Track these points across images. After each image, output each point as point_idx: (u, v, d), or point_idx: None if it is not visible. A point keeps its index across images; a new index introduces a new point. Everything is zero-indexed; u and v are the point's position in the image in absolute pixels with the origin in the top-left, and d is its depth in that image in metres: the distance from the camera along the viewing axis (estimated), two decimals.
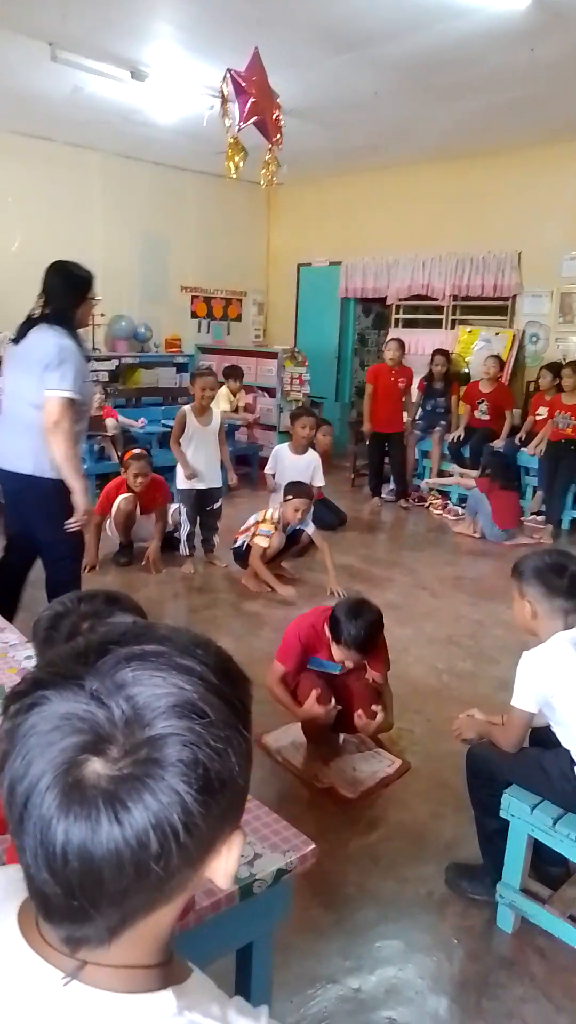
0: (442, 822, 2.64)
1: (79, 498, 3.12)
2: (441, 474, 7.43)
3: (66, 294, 3.11)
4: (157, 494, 5.29)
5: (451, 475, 7.27)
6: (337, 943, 2.10)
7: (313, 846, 1.47)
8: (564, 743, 2.02)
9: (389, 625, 4.65)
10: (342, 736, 3.14)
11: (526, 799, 2.10)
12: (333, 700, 2.88)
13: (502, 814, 2.13)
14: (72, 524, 3.13)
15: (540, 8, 4.29)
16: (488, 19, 4.47)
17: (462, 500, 6.97)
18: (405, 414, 7.49)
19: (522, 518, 6.77)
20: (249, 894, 1.35)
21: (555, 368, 6.80)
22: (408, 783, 2.90)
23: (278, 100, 4.80)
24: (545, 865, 2.24)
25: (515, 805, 2.10)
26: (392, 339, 7.58)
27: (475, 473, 6.65)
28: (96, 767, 0.52)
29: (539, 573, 2.12)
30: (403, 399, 7.39)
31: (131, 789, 0.52)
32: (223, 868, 0.60)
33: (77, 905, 0.53)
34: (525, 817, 2.08)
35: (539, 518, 6.67)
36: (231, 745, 0.56)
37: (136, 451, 5.41)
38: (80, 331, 3.18)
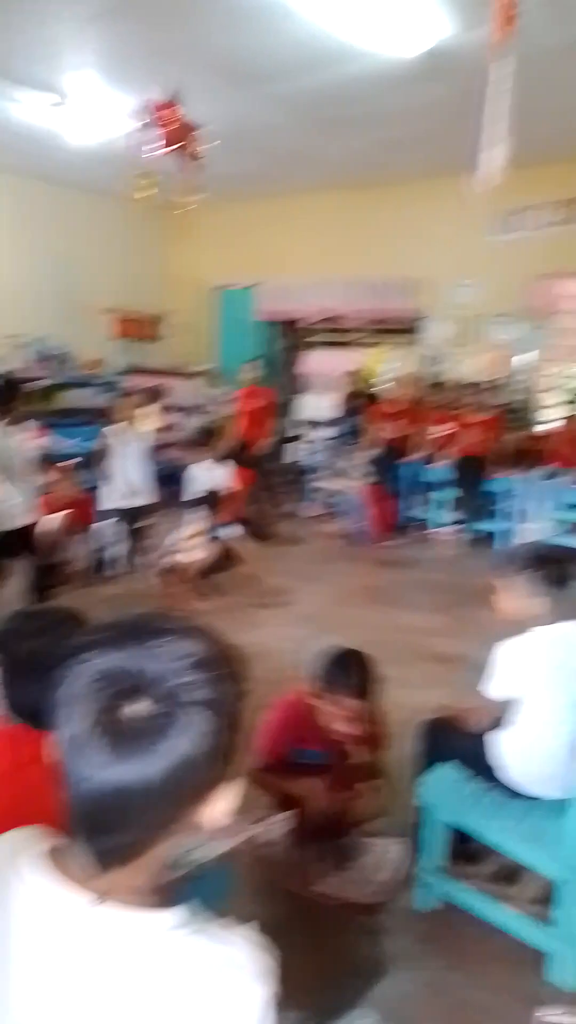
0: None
1: None
2: None
3: None
4: (83, 513, 5.31)
5: None
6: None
7: None
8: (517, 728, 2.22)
9: (313, 636, 4.75)
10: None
11: (437, 784, 2.30)
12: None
13: (416, 801, 2.32)
14: None
15: (428, 57, 4.64)
16: (378, 63, 4.79)
17: None
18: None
19: (433, 529, 7.13)
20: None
21: (451, 387, 7.37)
22: None
23: (196, 132, 4.97)
24: (458, 843, 2.42)
25: (427, 790, 2.30)
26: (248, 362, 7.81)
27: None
28: (137, 709, 0.67)
29: (533, 563, 2.25)
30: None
31: (169, 724, 0.67)
32: (223, 806, 0.76)
33: (128, 819, 0.68)
34: (436, 800, 2.28)
35: (450, 528, 7.02)
36: (240, 690, 0.74)
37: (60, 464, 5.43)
38: None
